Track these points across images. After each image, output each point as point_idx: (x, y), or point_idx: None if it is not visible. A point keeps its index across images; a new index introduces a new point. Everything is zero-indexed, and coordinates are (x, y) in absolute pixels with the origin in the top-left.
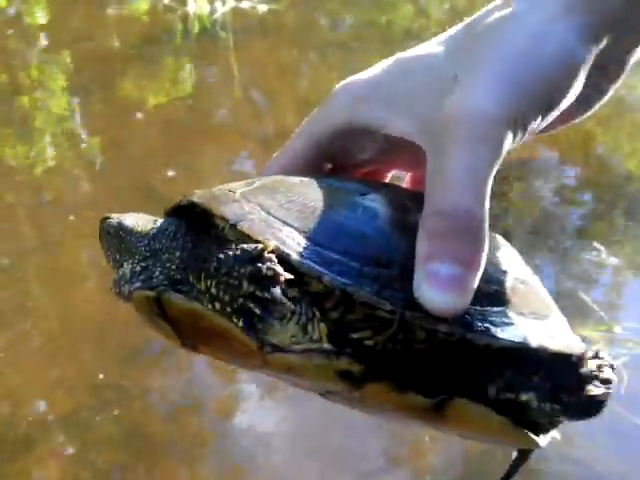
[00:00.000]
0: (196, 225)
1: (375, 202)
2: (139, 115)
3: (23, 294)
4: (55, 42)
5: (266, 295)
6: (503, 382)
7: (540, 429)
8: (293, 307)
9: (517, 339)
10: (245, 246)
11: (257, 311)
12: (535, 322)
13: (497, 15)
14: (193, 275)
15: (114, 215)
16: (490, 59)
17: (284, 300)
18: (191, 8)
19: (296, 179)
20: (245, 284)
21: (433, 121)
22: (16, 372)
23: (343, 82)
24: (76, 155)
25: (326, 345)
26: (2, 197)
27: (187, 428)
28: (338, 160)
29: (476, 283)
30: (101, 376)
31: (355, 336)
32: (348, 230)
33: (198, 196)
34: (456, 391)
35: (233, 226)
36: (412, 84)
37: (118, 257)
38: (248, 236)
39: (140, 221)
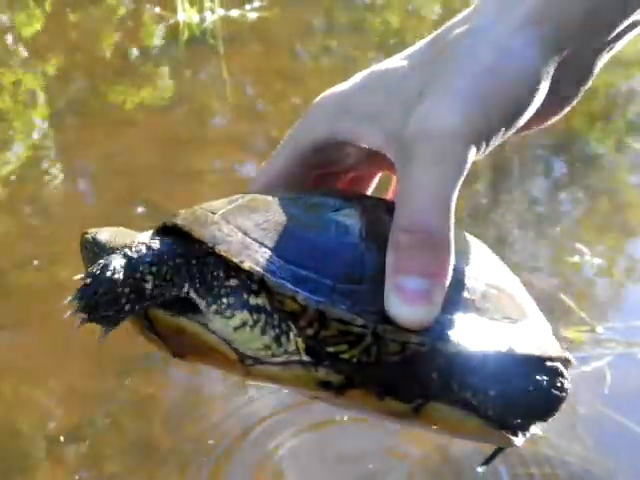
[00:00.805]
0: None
1: (348, 217)
2: (131, 126)
3: (21, 309)
4: (45, 52)
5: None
6: (474, 385)
7: (518, 428)
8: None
9: (486, 345)
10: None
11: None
12: (508, 326)
13: (460, 30)
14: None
15: (91, 230)
16: (453, 74)
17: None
18: (181, 17)
19: (274, 198)
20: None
21: (399, 136)
22: (15, 387)
23: (321, 95)
24: (68, 167)
25: (304, 357)
26: None
27: (189, 435)
28: (323, 169)
29: (443, 294)
30: (102, 387)
31: (331, 350)
32: (320, 247)
33: (182, 218)
34: (431, 395)
35: (212, 248)
36: (381, 98)
37: None
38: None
39: (116, 237)
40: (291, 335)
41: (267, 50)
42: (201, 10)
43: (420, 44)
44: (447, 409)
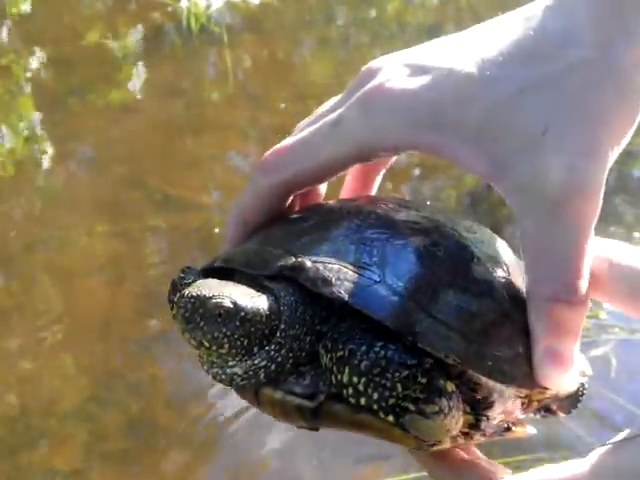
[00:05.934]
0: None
1: (481, 270)
2: (133, 112)
3: (29, 290)
4: (43, 37)
5: (424, 396)
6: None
7: None
8: (447, 403)
9: None
10: (404, 357)
11: (412, 408)
12: None
13: (571, 52)
14: (333, 370)
15: (209, 291)
16: (582, 120)
17: (440, 402)
18: (184, 4)
19: (405, 248)
20: (399, 387)
21: (525, 182)
22: (24, 366)
23: (384, 89)
24: (73, 151)
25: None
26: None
27: (193, 416)
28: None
29: None
30: (107, 368)
31: (495, 422)
32: (482, 320)
33: (349, 292)
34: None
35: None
36: (483, 114)
37: (246, 343)
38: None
39: (249, 298)
40: (467, 416)
41: (269, 39)
42: None
43: (506, 47)
44: None
